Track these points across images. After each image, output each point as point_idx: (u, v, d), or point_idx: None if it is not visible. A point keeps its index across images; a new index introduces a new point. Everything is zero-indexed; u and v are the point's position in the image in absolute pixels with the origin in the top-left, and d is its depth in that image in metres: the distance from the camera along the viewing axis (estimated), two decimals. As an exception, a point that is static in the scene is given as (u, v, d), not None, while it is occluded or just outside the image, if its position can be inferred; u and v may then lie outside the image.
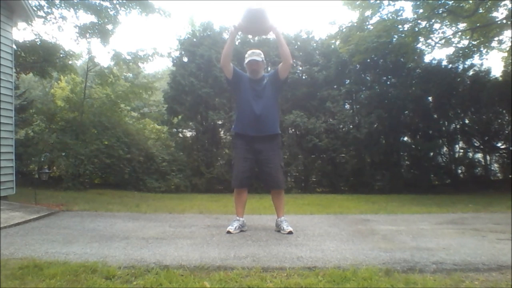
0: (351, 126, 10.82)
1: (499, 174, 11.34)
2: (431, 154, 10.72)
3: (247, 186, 3.49)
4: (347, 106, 11.51)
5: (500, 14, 9.35)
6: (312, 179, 10.97)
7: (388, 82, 11.19)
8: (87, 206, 5.08)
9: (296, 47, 11.11)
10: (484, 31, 9.66)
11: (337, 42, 10.44)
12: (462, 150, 11.14)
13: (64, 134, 9.26)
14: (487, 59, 14.74)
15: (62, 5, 9.57)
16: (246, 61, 3.42)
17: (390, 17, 9.20)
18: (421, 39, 9.81)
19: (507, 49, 10.65)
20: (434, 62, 10.92)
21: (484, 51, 10.50)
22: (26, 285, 1.94)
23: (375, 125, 10.44)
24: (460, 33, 10.25)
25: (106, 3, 9.59)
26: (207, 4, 42.09)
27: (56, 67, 10.19)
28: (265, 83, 3.42)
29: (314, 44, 11.55)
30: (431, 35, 9.83)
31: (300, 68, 11.33)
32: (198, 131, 11.16)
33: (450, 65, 10.78)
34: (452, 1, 8.83)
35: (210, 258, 2.44)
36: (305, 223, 3.79)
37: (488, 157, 11.13)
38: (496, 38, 10.11)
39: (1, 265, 2.17)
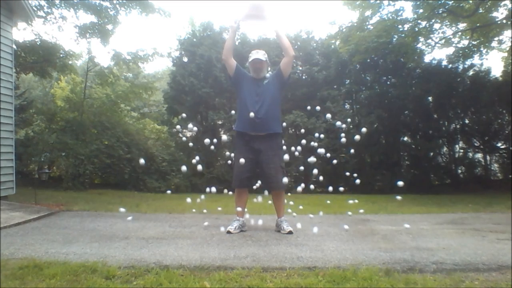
0: (351, 126, 10.81)
1: (499, 174, 11.33)
2: (431, 154, 10.72)
3: (247, 186, 3.48)
4: (347, 106, 11.51)
5: (500, 14, 9.34)
6: (312, 179, 10.95)
7: (388, 82, 11.18)
8: (87, 206, 5.07)
9: (296, 47, 11.10)
10: (484, 31, 9.65)
11: (337, 42, 10.43)
12: (462, 150, 11.15)
13: (64, 134, 9.25)
14: (487, 59, 14.73)
15: (62, 5, 9.56)
16: (250, 59, 3.42)
17: (390, 17, 9.18)
18: (421, 39, 9.79)
19: (507, 49, 10.64)
20: (434, 62, 10.92)
21: (484, 51, 10.48)
22: (26, 285, 1.94)
23: (375, 125, 10.43)
24: (460, 33, 10.23)
25: (106, 3, 9.58)
26: (207, 4, 42.07)
27: (56, 67, 10.18)
28: (267, 82, 3.42)
29: (314, 44, 11.55)
30: (431, 35, 9.81)
31: (300, 68, 11.33)
32: (198, 131, 11.15)
33: (450, 65, 10.77)
34: (452, 1, 8.82)
35: (210, 258, 2.44)
36: (305, 223, 3.79)
37: (488, 157, 11.12)
38: (496, 38, 10.09)
39: (1, 265, 2.17)
